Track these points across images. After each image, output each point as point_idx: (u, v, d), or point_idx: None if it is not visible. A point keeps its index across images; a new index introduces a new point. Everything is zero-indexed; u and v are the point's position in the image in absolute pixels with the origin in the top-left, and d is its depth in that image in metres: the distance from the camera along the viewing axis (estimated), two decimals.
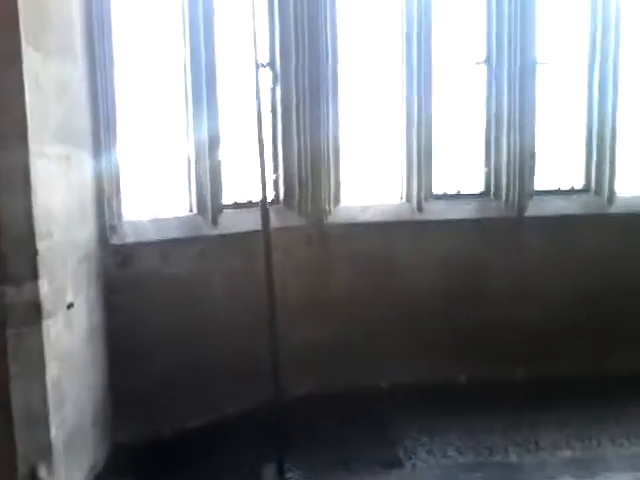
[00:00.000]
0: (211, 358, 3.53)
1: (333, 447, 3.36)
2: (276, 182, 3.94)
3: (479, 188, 4.23)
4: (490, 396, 3.85)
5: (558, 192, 4.26)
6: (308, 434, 3.44)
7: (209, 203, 3.60)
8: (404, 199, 4.14)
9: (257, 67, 3.44)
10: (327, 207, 4.00)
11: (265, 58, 3.76)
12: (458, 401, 3.84)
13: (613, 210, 4.20)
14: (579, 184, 4.28)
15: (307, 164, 3.91)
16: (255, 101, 3.32)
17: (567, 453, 3.28)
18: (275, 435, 3.06)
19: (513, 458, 3.26)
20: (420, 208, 4.09)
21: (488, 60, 4.08)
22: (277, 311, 3.11)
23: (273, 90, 3.85)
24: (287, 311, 3.53)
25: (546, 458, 3.25)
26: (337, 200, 4.05)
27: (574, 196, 4.26)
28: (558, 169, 4.29)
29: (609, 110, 4.15)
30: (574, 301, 4.13)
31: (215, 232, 3.62)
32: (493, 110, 4.12)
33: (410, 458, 3.28)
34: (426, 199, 4.11)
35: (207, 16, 3.50)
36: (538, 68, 4.09)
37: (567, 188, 4.28)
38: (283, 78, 3.83)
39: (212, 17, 3.52)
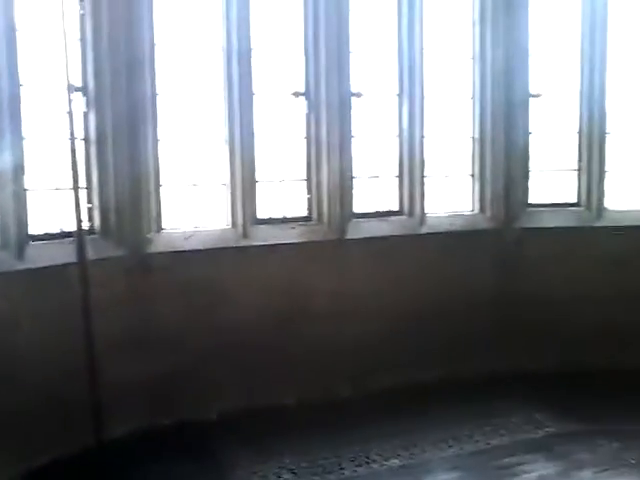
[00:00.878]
0: (23, 407, 3.16)
1: None
2: (91, 211, 3.71)
3: (303, 212, 4.34)
4: (320, 414, 3.91)
5: (377, 214, 4.49)
6: (133, 475, 3.25)
7: (13, 234, 3.28)
8: (229, 225, 4.12)
9: (69, 91, 3.29)
10: (148, 236, 3.84)
11: (78, 81, 3.59)
12: (290, 423, 3.84)
13: (425, 230, 4.50)
14: (395, 207, 4.55)
15: (125, 191, 3.73)
16: (68, 126, 3.16)
17: (395, 462, 3.40)
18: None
19: (347, 473, 3.31)
20: (245, 234, 4.09)
21: (307, 92, 4.22)
22: (96, 349, 2.92)
23: (86, 115, 3.67)
24: (107, 348, 3.33)
25: (377, 469, 3.34)
26: (159, 228, 3.92)
27: (391, 218, 4.51)
28: (376, 194, 4.54)
29: (417, 139, 4.44)
30: (394, 317, 4.34)
31: (21, 266, 3.30)
32: (313, 139, 4.25)
33: None
34: (251, 224, 4.12)
35: (9, 38, 3.24)
36: (354, 100, 4.31)
37: (385, 210, 4.52)
38: (97, 102, 3.67)
39: (14, 37, 3.27)
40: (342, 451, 3.51)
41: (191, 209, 4.07)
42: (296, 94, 4.23)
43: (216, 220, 4.14)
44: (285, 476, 3.29)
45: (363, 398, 4.15)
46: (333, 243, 4.27)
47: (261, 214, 4.21)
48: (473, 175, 4.67)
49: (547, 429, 3.75)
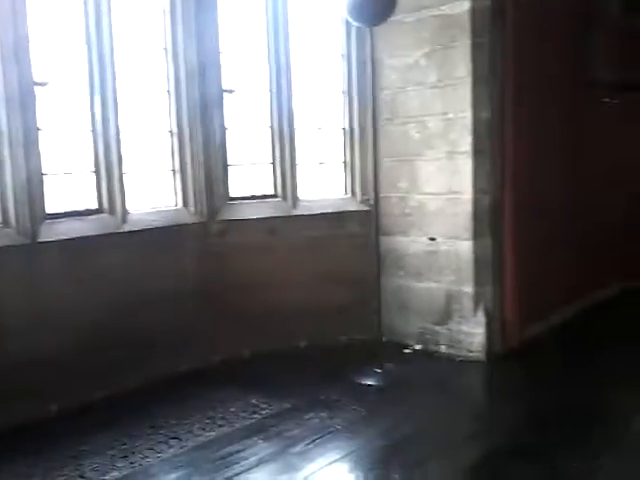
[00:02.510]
0: None
1: None
2: None
3: None
4: (29, 436, 3.57)
5: (74, 214, 4.17)
6: None
7: None
8: None
9: None
10: None
11: None
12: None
13: (128, 228, 4.32)
14: (93, 205, 4.28)
15: None
16: None
17: (114, 474, 3.21)
18: None
19: None
20: None
21: None
22: None
23: None
24: None
25: None
26: None
27: (90, 217, 4.23)
28: (72, 191, 4.21)
29: (112, 134, 4.22)
30: (96, 321, 4.09)
31: None
32: None
33: None
34: None
35: None
36: (37, 90, 3.92)
37: (83, 209, 4.22)
38: None
39: None
40: (53, 473, 3.21)
41: None
42: None
43: None
44: None
45: (74, 413, 3.86)
46: (24, 248, 3.85)
47: None
48: (174, 170, 4.62)
49: (262, 412, 3.89)
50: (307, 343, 4.94)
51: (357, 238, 4.93)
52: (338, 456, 3.33)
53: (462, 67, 4.44)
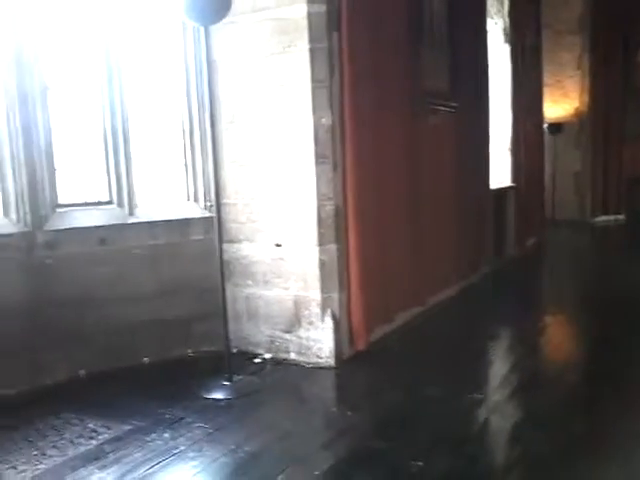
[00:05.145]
0: None
1: None
2: None
3: None
4: None
5: None
6: None
7: None
8: None
9: None
10: None
11: None
12: None
13: None
14: None
15: None
16: None
17: None
18: None
19: None
20: None
21: None
22: None
23: None
24: None
25: None
26: None
27: None
28: None
29: None
30: None
31: None
32: None
33: None
34: None
35: None
36: None
37: None
38: None
39: None
40: None
41: None
42: None
43: None
44: None
45: None
46: None
47: None
48: None
49: (100, 437, 3.58)
50: (150, 359, 4.66)
51: (202, 246, 4.73)
52: (183, 479, 3.13)
53: (301, 72, 4.40)
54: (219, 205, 4.29)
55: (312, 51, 4.37)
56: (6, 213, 4.20)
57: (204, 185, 4.88)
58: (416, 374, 4.41)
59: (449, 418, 3.70)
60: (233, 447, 3.40)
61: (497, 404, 3.92)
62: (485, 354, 5.00)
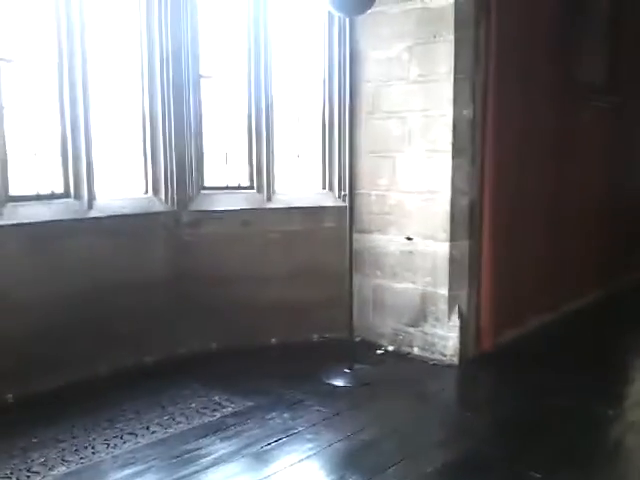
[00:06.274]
0: None
1: None
2: None
3: None
4: None
5: (38, 197, 4.03)
6: None
7: None
8: None
9: None
10: None
11: None
12: None
13: (94, 214, 4.17)
14: (59, 189, 4.14)
15: None
16: None
17: (62, 469, 3.08)
18: None
19: None
20: None
21: None
22: None
23: None
24: None
25: None
26: None
27: (55, 201, 4.09)
28: (36, 174, 4.07)
29: (81, 117, 4.09)
30: (64, 308, 3.97)
31: None
32: None
33: None
34: None
35: None
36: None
37: (47, 193, 4.08)
38: None
39: None
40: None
41: None
42: None
43: None
44: None
45: (30, 402, 3.73)
46: None
47: None
48: (146, 157, 4.47)
49: (224, 410, 3.76)
50: (277, 340, 4.82)
51: (333, 234, 4.80)
52: (297, 459, 3.21)
53: (444, 63, 4.31)
54: (353, 195, 4.32)
55: (457, 41, 4.26)
56: (156, 193, 4.51)
57: (339, 175, 4.94)
58: (544, 382, 4.19)
59: (576, 432, 3.50)
60: (349, 434, 3.45)
61: (635, 424, 3.64)
62: (625, 369, 4.66)
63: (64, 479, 3.00)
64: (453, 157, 4.37)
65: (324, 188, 5.02)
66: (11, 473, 3.04)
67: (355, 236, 4.50)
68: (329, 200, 4.97)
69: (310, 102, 4.95)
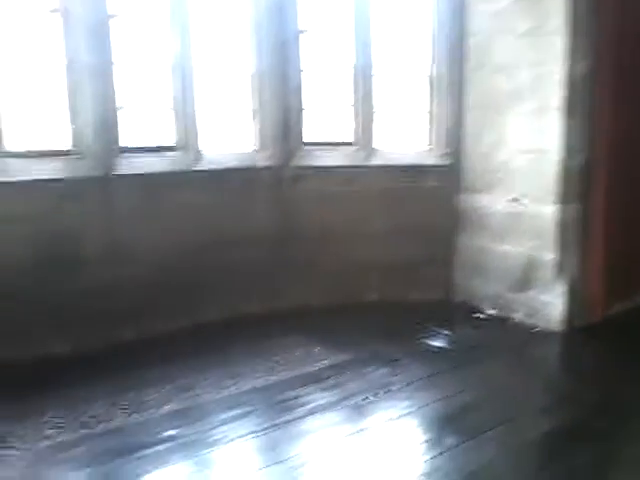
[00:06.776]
0: None
1: None
2: None
3: (65, 145, 3.89)
4: (95, 364, 3.69)
5: (148, 150, 4.19)
6: None
7: None
8: None
9: None
10: None
11: None
12: (59, 375, 3.55)
13: (200, 167, 4.30)
14: (169, 141, 4.27)
15: None
16: None
17: (168, 407, 3.24)
18: None
19: (117, 422, 3.08)
20: None
21: (66, 9, 3.75)
22: None
23: None
24: None
25: (150, 416, 3.15)
26: None
27: (165, 154, 4.23)
28: (149, 127, 4.22)
29: (190, 71, 4.19)
30: (174, 257, 4.15)
31: None
32: (74, 62, 3.80)
33: None
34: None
35: None
36: (111, 22, 3.90)
37: (157, 146, 4.23)
38: None
39: None
40: (114, 399, 3.29)
41: None
42: (52, 11, 3.74)
43: None
44: (47, 433, 2.97)
45: (145, 342, 3.99)
46: (99, 180, 3.90)
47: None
48: (252, 112, 4.53)
49: (324, 361, 3.83)
50: (377, 298, 4.81)
51: (435, 193, 4.71)
52: (394, 415, 3.21)
53: (556, 15, 4.03)
54: (458, 153, 4.20)
55: None
56: (263, 148, 4.56)
57: (445, 132, 4.79)
58: None
59: None
60: (447, 395, 3.41)
61: None
62: None
63: (173, 416, 3.16)
64: (565, 115, 4.13)
65: (427, 145, 4.90)
66: (125, 407, 3.24)
67: (460, 195, 4.38)
68: (433, 158, 4.85)
69: (416, 57, 4.81)
